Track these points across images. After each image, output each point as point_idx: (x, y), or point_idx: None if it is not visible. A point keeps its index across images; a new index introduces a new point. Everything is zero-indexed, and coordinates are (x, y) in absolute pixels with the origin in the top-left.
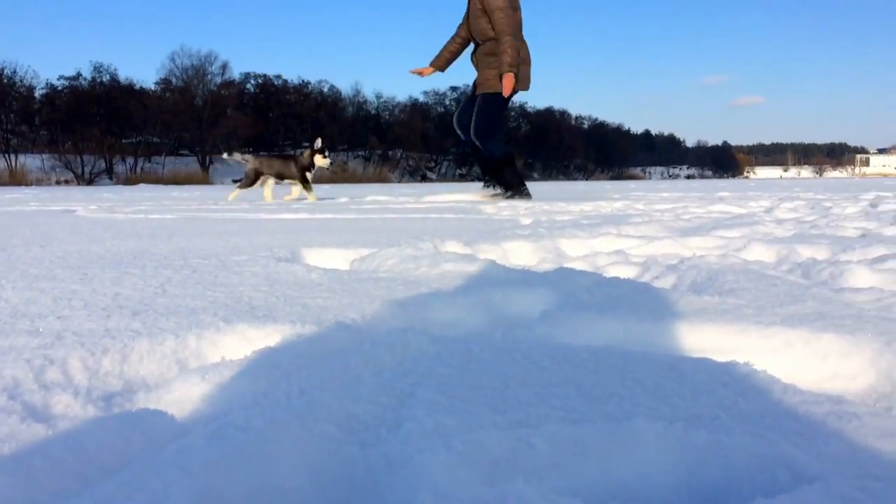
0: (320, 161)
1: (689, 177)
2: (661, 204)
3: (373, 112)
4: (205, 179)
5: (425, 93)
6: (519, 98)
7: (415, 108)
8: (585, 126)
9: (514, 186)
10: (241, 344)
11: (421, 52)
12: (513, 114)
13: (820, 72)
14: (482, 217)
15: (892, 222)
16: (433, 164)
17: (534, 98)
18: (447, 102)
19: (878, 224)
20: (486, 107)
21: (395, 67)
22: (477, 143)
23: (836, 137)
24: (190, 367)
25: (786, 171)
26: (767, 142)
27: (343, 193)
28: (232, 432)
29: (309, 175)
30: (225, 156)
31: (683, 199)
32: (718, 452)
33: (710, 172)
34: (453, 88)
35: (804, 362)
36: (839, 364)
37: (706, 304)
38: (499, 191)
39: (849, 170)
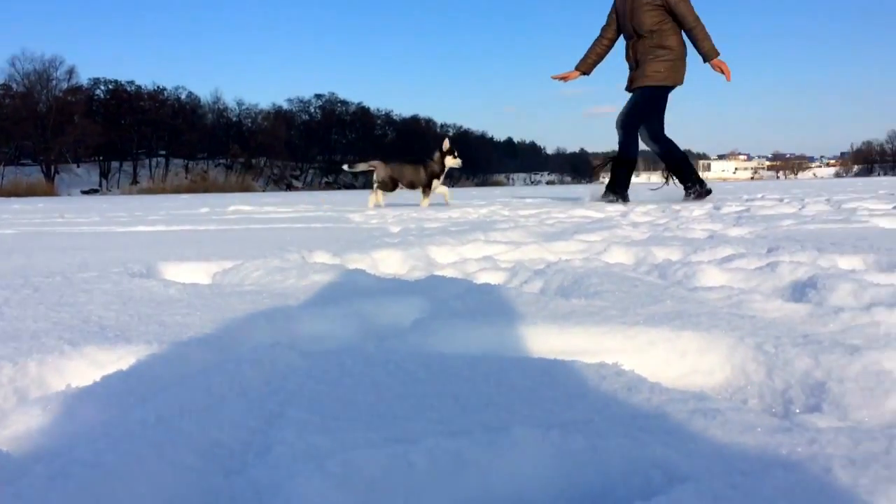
0: (451, 162)
1: (549, 182)
2: (525, 210)
3: (234, 119)
4: (50, 191)
5: (289, 100)
6: (385, 106)
7: (279, 115)
8: (451, 134)
9: (616, 189)
10: (90, 369)
11: (288, 56)
12: (378, 122)
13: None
14: (350, 226)
15: (734, 224)
16: (299, 172)
17: (400, 106)
18: (312, 110)
19: (723, 226)
20: (644, 101)
21: (258, 73)
22: (619, 133)
23: (681, 144)
24: (30, 398)
25: (637, 176)
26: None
27: (203, 203)
28: (78, 470)
29: (437, 181)
30: (345, 167)
31: (546, 204)
32: (594, 457)
33: (569, 178)
34: (318, 96)
35: (666, 360)
36: (698, 360)
37: (574, 307)
38: (618, 199)
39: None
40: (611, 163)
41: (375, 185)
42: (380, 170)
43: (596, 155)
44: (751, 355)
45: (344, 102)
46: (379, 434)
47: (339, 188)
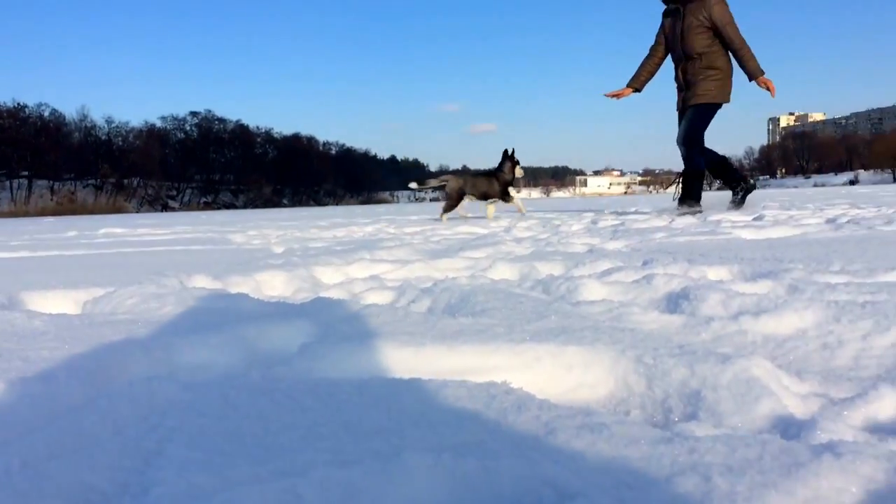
0: (518, 172)
1: (434, 199)
2: (410, 227)
3: (103, 138)
4: None
5: (163, 118)
6: (265, 124)
7: (152, 133)
8: (334, 152)
9: (692, 200)
10: None
11: (161, 73)
12: (258, 139)
13: (545, 100)
14: (231, 247)
15: (611, 237)
16: (175, 192)
17: (281, 124)
18: (188, 128)
19: (601, 240)
20: (698, 117)
21: (128, 90)
22: (682, 149)
23: (559, 161)
24: None
25: (518, 191)
26: None
27: (70, 226)
28: None
29: (513, 189)
30: (413, 185)
31: (431, 221)
32: (487, 479)
33: None
34: (193, 114)
35: (553, 375)
36: (583, 374)
37: (462, 325)
38: (690, 205)
39: (571, 190)
40: (680, 178)
41: (448, 196)
42: (451, 182)
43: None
44: (632, 367)
45: (221, 120)
46: (266, 468)
47: (218, 208)
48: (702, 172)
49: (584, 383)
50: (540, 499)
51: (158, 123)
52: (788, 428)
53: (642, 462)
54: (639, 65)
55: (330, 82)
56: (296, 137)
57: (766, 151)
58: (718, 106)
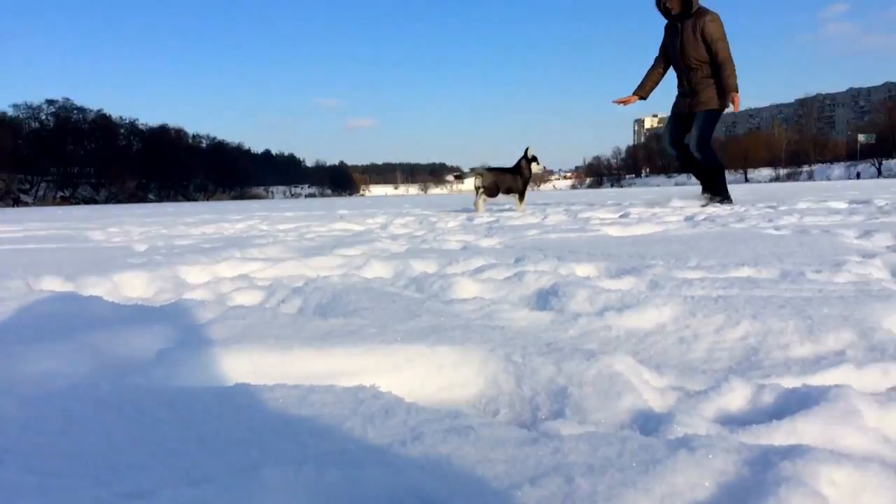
0: (536, 168)
1: (310, 195)
2: (284, 224)
3: None
4: None
5: (15, 105)
6: (130, 114)
7: (2, 122)
8: (204, 145)
9: (724, 192)
10: None
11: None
12: (122, 131)
13: (423, 97)
14: (89, 245)
15: (485, 234)
16: (28, 185)
17: (146, 115)
18: (43, 117)
19: (475, 237)
20: (707, 122)
21: None
22: (698, 154)
23: (436, 158)
24: None
25: (396, 188)
26: (380, 161)
27: None
28: None
29: (527, 187)
30: (450, 178)
31: (307, 217)
32: (350, 489)
33: (329, 191)
34: (50, 102)
35: (424, 376)
36: (454, 374)
37: (332, 326)
38: (715, 197)
39: (448, 186)
40: (710, 185)
41: (481, 191)
42: (487, 177)
43: (356, 167)
44: (501, 366)
45: (81, 109)
46: (109, 490)
47: (77, 203)
48: (722, 167)
49: (454, 383)
50: None
51: (10, 112)
52: (648, 422)
53: (507, 465)
54: (644, 75)
55: (201, 73)
56: (163, 129)
57: (632, 151)
58: (722, 111)
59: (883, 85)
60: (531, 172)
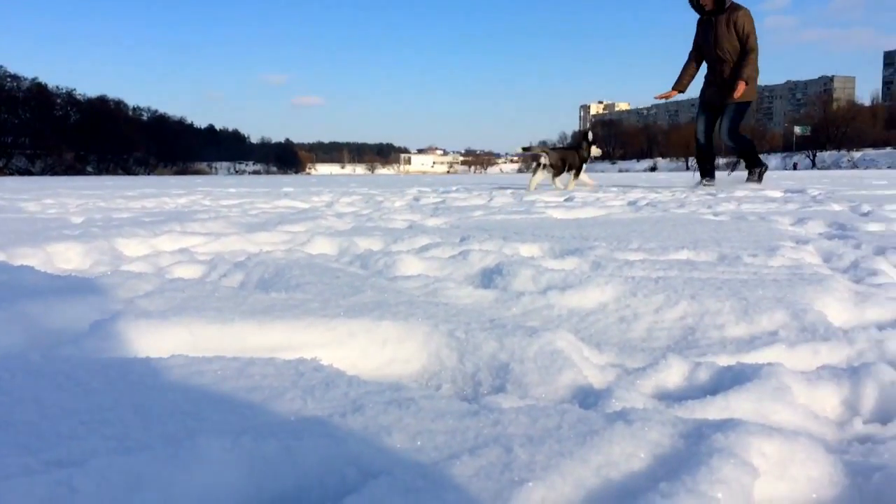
0: (595, 151)
1: (255, 172)
2: (228, 199)
3: None
4: None
5: None
6: (66, 85)
7: None
8: (145, 118)
9: (761, 163)
10: None
11: None
12: (59, 101)
13: (372, 76)
14: (22, 216)
15: (432, 214)
16: None
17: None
18: None
19: (422, 216)
20: (737, 113)
21: None
22: (730, 143)
23: (384, 138)
24: None
25: (343, 167)
26: (326, 140)
27: None
28: None
29: (584, 166)
30: (522, 148)
31: (250, 194)
32: (289, 460)
33: (275, 168)
34: None
35: (366, 350)
36: (397, 349)
37: (274, 300)
38: (756, 170)
39: (395, 167)
40: (738, 157)
41: (544, 167)
42: (552, 154)
43: (302, 146)
44: (444, 341)
45: (15, 77)
46: (38, 458)
47: (11, 174)
48: (753, 144)
49: (397, 358)
50: (343, 478)
51: None
52: (587, 397)
53: (448, 436)
54: (681, 69)
55: (143, 44)
56: (101, 100)
57: (577, 137)
58: (751, 102)
59: (819, 78)
60: (590, 153)
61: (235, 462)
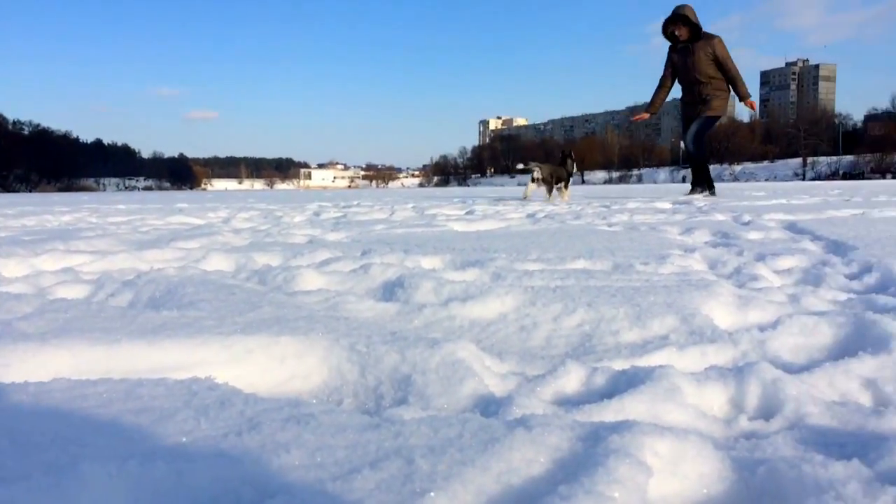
0: (574, 168)
1: (146, 188)
2: (116, 216)
3: None
4: None
5: None
6: None
7: None
8: (26, 132)
9: (709, 184)
10: None
11: None
12: None
13: (269, 90)
14: None
15: (332, 229)
16: None
17: None
18: None
19: (322, 231)
20: (706, 125)
21: None
22: (692, 147)
23: (283, 153)
24: None
25: (240, 183)
26: (223, 155)
27: None
28: None
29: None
30: (521, 165)
31: (141, 210)
32: (179, 483)
33: (168, 184)
34: None
35: (265, 367)
36: (296, 365)
37: (165, 319)
38: (705, 191)
39: (295, 182)
40: (694, 168)
41: (539, 180)
42: (544, 169)
43: (197, 160)
44: (345, 356)
45: None
46: None
47: None
48: (706, 162)
49: (297, 374)
50: (238, 499)
51: None
52: (489, 406)
53: (348, 450)
54: (653, 94)
55: (23, 54)
56: None
57: (477, 151)
58: (720, 117)
59: None
60: (574, 168)
61: (122, 489)
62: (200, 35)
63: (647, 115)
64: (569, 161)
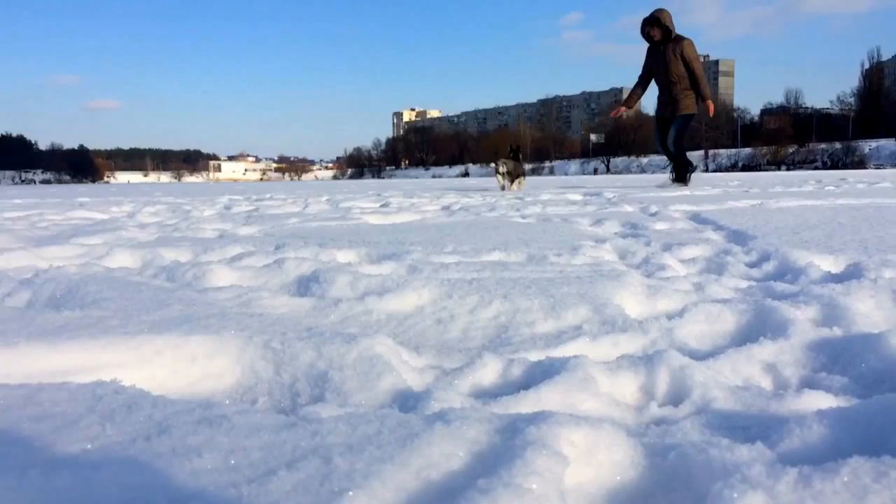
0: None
1: (45, 181)
2: (12, 212)
3: None
4: None
5: None
6: None
7: None
8: None
9: (687, 179)
10: None
11: None
12: None
13: (175, 79)
14: None
15: (244, 223)
16: None
17: None
18: None
19: (233, 225)
20: (684, 124)
21: None
22: (673, 149)
23: (191, 144)
24: None
25: (146, 175)
26: (127, 147)
27: None
28: None
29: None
30: (493, 165)
31: (39, 205)
32: (85, 492)
33: (68, 177)
34: None
35: (174, 368)
36: (207, 365)
37: (67, 319)
38: (681, 184)
39: (204, 175)
40: (673, 164)
41: (505, 174)
42: (508, 164)
43: (100, 152)
44: (259, 353)
45: None
46: None
47: None
48: (689, 162)
49: (209, 374)
50: None
51: None
52: (407, 401)
53: (264, 451)
54: (631, 90)
55: None
56: None
57: (392, 143)
58: (694, 115)
59: (610, 90)
60: (522, 161)
61: (23, 500)
62: (101, 18)
63: (623, 109)
64: (520, 156)
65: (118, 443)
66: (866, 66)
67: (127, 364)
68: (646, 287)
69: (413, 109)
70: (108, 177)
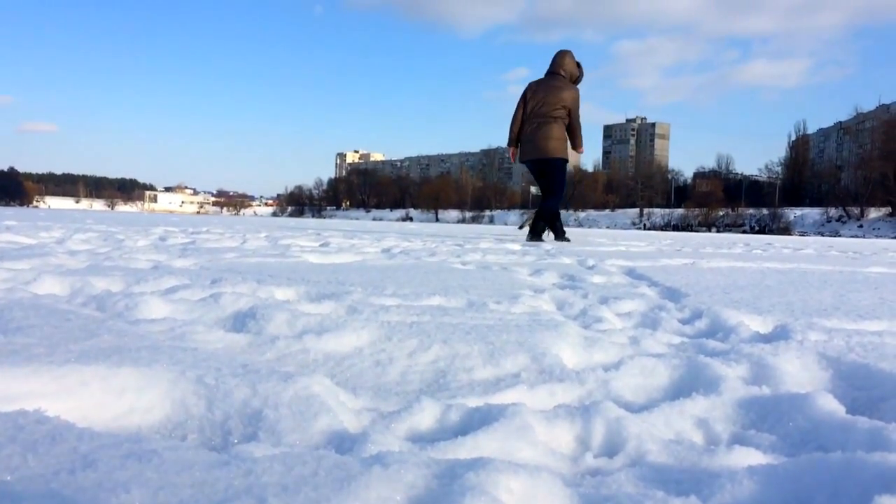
0: None
1: None
2: None
3: None
4: None
5: None
6: None
7: None
8: None
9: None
10: None
11: None
12: None
13: (113, 106)
14: None
15: (180, 255)
16: None
17: None
18: None
19: (168, 256)
20: (560, 171)
21: None
22: (553, 198)
23: (127, 173)
24: None
25: (78, 202)
26: (59, 171)
27: None
28: None
29: None
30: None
31: None
32: None
33: None
34: None
35: (101, 401)
36: (136, 398)
37: None
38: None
39: (139, 205)
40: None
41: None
42: None
43: (31, 176)
44: (192, 389)
45: None
46: None
47: None
48: (557, 214)
49: (137, 408)
50: None
51: None
52: (343, 442)
53: (195, 489)
54: (510, 127)
55: None
56: None
57: (334, 184)
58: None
59: None
60: None
61: None
62: (38, 38)
63: (515, 151)
64: None
65: (40, 475)
66: (793, 137)
67: (51, 394)
68: (583, 338)
69: (357, 151)
70: (37, 201)
